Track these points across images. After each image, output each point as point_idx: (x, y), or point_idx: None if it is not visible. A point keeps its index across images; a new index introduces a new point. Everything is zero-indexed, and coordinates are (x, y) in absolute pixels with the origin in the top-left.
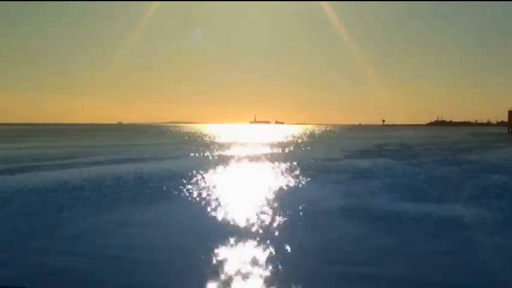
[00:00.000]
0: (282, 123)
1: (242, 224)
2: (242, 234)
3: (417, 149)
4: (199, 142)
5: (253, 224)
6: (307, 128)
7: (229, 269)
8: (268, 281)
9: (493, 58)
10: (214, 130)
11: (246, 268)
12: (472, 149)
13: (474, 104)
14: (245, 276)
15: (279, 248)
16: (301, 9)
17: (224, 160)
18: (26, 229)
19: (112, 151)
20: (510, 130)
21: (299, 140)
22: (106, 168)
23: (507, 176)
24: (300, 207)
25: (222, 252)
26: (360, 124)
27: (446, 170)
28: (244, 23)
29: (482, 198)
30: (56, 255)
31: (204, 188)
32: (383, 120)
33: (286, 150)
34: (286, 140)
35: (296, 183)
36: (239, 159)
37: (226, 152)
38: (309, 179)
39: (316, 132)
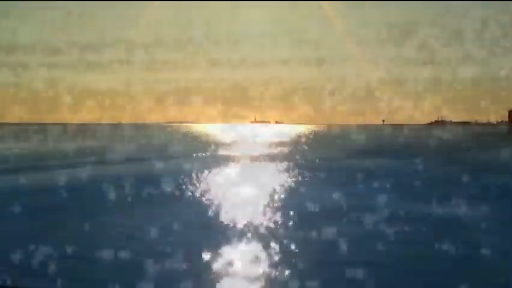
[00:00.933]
0: (282, 123)
1: (242, 224)
2: (242, 234)
3: (417, 149)
4: (199, 142)
5: (252, 224)
6: (307, 128)
7: (229, 269)
8: (268, 281)
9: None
10: (214, 130)
11: (246, 268)
12: (472, 149)
13: (474, 104)
14: (245, 276)
15: (279, 248)
16: (301, 9)
17: (224, 160)
18: (25, 229)
19: (112, 151)
20: (510, 130)
21: (299, 140)
22: (105, 168)
23: (507, 176)
24: (299, 207)
25: (222, 252)
26: (360, 124)
27: (446, 170)
28: (244, 23)
29: (482, 198)
30: (56, 255)
31: (204, 188)
32: (383, 120)
33: (286, 150)
34: (286, 140)
35: (295, 183)
36: (239, 159)
37: (226, 152)
38: (308, 178)
39: (316, 132)
